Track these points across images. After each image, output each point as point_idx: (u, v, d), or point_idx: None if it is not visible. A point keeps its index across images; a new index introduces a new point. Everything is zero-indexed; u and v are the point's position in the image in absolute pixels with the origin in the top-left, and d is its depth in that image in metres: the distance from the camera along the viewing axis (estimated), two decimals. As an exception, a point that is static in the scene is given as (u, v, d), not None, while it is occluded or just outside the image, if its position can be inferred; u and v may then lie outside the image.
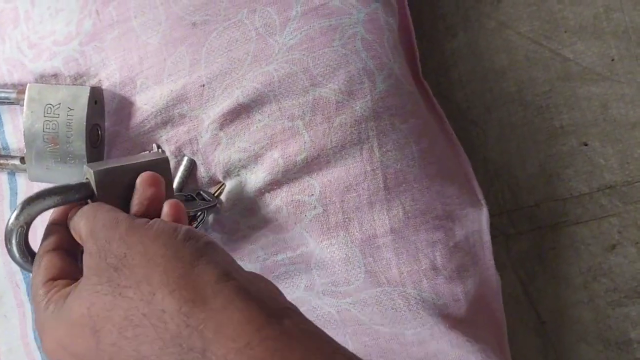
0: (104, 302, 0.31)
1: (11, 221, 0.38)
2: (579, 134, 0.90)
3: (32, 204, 0.38)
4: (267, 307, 0.30)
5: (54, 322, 0.33)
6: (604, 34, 0.89)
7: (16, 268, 0.53)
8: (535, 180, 0.92)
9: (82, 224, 0.36)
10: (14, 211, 0.38)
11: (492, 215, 0.97)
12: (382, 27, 0.48)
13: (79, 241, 0.37)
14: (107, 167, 0.39)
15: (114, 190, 0.39)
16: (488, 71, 0.92)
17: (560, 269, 0.91)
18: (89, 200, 0.39)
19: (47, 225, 0.39)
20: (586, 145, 0.90)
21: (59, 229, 0.38)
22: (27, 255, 0.39)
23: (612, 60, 0.91)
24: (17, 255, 0.39)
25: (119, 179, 0.40)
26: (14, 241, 0.38)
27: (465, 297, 0.49)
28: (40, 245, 0.38)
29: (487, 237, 0.53)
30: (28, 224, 0.38)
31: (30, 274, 0.38)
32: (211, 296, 0.29)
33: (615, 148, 0.91)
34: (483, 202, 0.54)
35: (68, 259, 0.37)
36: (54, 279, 0.36)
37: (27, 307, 0.54)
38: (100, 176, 0.39)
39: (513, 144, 0.91)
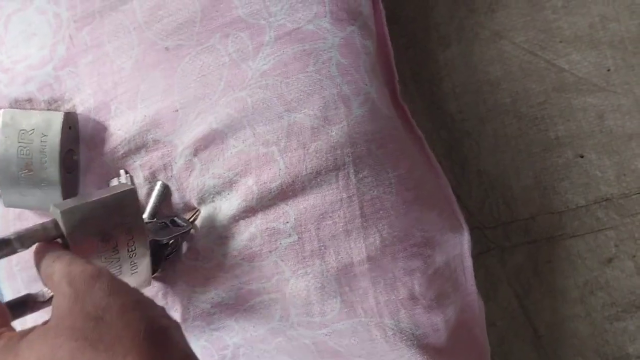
0: (71, 348, 0.30)
1: None
2: (575, 145, 0.88)
3: None
4: None
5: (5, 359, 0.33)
6: (600, 44, 0.87)
7: None
8: (530, 193, 0.91)
9: (57, 267, 0.35)
10: None
11: (487, 228, 0.97)
12: (359, 50, 0.47)
13: (48, 284, 0.36)
14: (74, 205, 0.39)
15: (83, 227, 0.39)
16: (482, 82, 0.91)
17: (557, 282, 0.90)
18: (59, 240, 0.39)
19: None
20: (582, 157, 0.89)
21: None
22: None
23: (608, 70, 0.90)
24: None
25: (87, 216, 0.39)
26: None
27: (446, 325, 0.48)
28: None
29: (468, 261, 0.52)
30: None
31: None
32: None
33: (612, 160, 0.90)
34: (464, 225, 0.53)
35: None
36: None
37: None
38: (68, 216, 0.39)
39: (508, 156, 0.90)
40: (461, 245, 0.51)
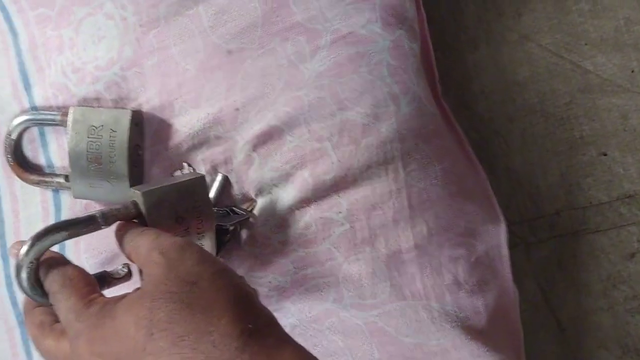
0: (169, 310, 0.32)
1: (21, 256, 0.39)
2: (599, 144, 0.90)
3: (42, 239, 0.39)
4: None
5: (96, 322, 0.34)
6: (625, 46, 0.89)
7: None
8: (556, 190, 0.93)
9: (144, 240, 0.38)
10: (23, 246, 0.39)
11: (513, 223, 0.99)
12: (407, 53, 0.51)
13: (132, 257, 0.39)
14: (152, 188, 0.43)
15: (160, 208, 0.42)
16: (510, 83, 0.93)
17: (580, 276, 0.92)
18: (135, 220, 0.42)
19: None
20: (606, 155, 0.91)
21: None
22: (38, 289, 0.39)
23: (632, 72, 0.92)
24: (27, 290, 0.39)
25: (163, 198, 0.43)
26: (24, 276, 0.39)
27: (486, 309, 0.51)
28: (48, 256, 0.39)
29: (505, 251, 0.55)
30: (38, 259, 0.39)
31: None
32: (267, 334, 0.33)
33: (635, 158, 0.92)
34: (502, 218, 0.56)
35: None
36: (90, 291, 0.37)
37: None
38: (148, 197, 0.42)
39: (534, 154, 0.92)
40: (498, 236, 0.54)
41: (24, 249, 0.39)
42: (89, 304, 0.36)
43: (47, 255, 0.39)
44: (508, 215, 0.96)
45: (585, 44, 0.92)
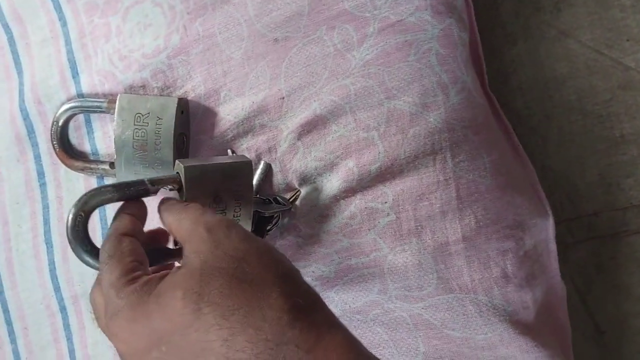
0: (219, 285, 0.32)
1: (71, 211, 0.39)
2: (640, 143, 0.89)
3: (93, 194, 0.39)
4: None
5: (138, 299, 0.33)
6: (668, 42, 0.87)
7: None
8: (594, 189, 0.91)
9: (189, 215, 0.37)
10: (74, 203, 0.39)
11: (550, 223, 0.97)
12: (456, 42, 0.50)
13: (175, 231, 0.38)
14: (197, 164, 0.43)
15: (200, 184, 0.43)
16: (548, 79, 0.92)
17: (620, 279, 0.91)
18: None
19: (119, 215, 0.40)
20: (647, 154, 0.89)
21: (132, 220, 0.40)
22: (88, 246, 0.39)
23: (676, 69, 0.90)
24: (71, 240, 0.39)
25: (205, 175, 0.43)
26: (69, 224, 0.39)
27: (534, 304, 0.50)
28: (113, 225, 0.39)
29: (553, 246, 0.54)
30: (87, 213, 0.39)
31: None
32: (315, 310, 0.33)
33: (678, 158, 0.90)
34: (549, 211, 0.55)
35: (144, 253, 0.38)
36: (135, 269, 0.36)
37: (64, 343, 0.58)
38: (190, 171, 0.42)
39: (573, 153, 0.91)
40: (546, 230, 0.53)
41: (74, 204, 0.39)
42: (132, 281, 0.35)
43: (124, 224, 0.39)
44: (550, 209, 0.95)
45: (627, 40, 0.90)
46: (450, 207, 0.49)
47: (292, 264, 0.36)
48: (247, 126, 0.53)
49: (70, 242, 0.39)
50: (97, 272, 0.38)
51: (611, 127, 0.93)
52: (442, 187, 0.49)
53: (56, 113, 0.56)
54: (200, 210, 0.38)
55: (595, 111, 0.92)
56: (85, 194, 0.39)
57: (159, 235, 0.43)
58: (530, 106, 0.96)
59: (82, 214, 0.39)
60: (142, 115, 0.53)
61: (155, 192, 0.42)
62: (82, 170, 0.57)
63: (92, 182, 0.58)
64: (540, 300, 0.51)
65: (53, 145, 0.57)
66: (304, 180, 0.52)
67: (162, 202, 0.41)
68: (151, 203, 0.42)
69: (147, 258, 0.38)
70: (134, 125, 0.53)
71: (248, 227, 0.46)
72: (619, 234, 0.94)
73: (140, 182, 0.41)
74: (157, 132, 0.53)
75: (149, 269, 0.38)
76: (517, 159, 0.56)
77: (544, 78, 0.95)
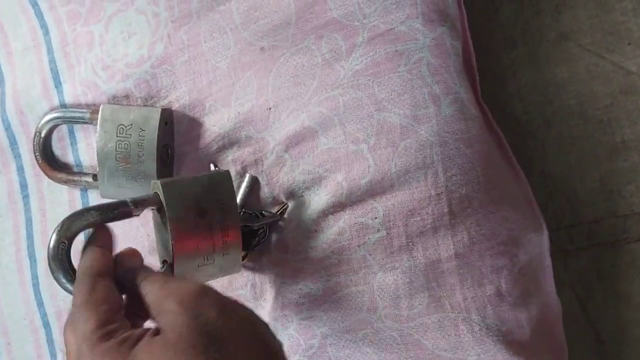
0: None
1: (53, 238, 0.38)
2: (642, 149, 0.88)
3: (74, 219, 0.39)
4: None
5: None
6: (670, 46, 0.86)
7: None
8: (595, 196, 0.90)
9: (152, 287, 0.36)
10: (55, 228, 0.38)
11: (550, 230, 0.96)
12: (449, 51, 0.48)
13: (151, 307, 0.36)
14: (173, 179, 0.42)
15: (180, 200, 0.42)
16: (548, 83, 0.91)
17: (621, 287, 0.90)
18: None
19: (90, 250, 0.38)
20: (649, 160, 0.88)
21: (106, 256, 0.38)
22: (70, 274, 0.39)
23: (678, 73, 0.89)
24: (59, 274, 0.39)
25: (185, 191, 0.42)
26: (56, 257, 0.38)
27: (529, 322, 0.49)
28: (85, 262, 0.37)
29: (548, 261, 0.52)
30: (69, 240, 0.39)
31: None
32: None
33: (681, 164, 0.89)
34: (544, 225, 0.54)
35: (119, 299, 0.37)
36: (110, 320, 0.34)
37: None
38: (168, 189, 0.42)
39: (573, 158, 0.89)
40: (541, 245, 0.52)
41: (56, 230, 0.38)
42: (107, 336, 0.33)
43: (97, 262, 0.38)
44: (544, 222, 0.94)
45: (629, 44, 0.89)
46: (443, 223, 0.47)
47: (274, 339, 0.34)
48: (232, 137, 0.51)
49: (52, 270, 0.39)
50: None
51: (612, 133, 0.92)
52: (434, 202, 0.47)
53: (39, 124, 0.55)
54: (162, 280, 0.36)
55: (596, 116, 0.91)
56: (67, 218, 0.39)
57: (129, 256, 0.41)
58: (529, 111, 0.95)
59: (65, 241, 0.38)
60: (125, 127, 0.51)
61: (138, 214, 0.41)
62: (65, 182, 0.55)
63: (76, 194, 0.56)
64: (535, 317, 0.49)
65: (36, 156, 0.56)
66: (292, 193, 0.51)
67: (137, 274, 0.38)
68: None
69: (122, 301, 0.37)
70: (117, 136, 0.52)
71: (238, 240, 0.45)
72: (620, 242, 0.93)
73: (123, 204, 0.40)
74: (140, 144, 0.51)
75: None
76: (511, 171, 0.55)
77: (544, 82, 0.94)
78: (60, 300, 0.56)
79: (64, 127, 0.56)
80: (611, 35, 0.88)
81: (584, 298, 0.91)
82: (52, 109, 0.55)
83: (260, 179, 0.51)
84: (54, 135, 0.56)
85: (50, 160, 0.56)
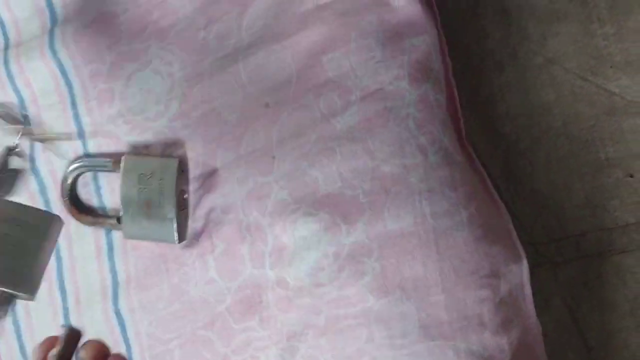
0: None
1: None
2: (624, 166, 0.92)
3: None
4: None
5: None
6: (650, 69, 0.90)
7: None
8: (581, 211, 0.94)
9: None
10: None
11: (540, 243, 1.01)
12: (432, 104, 0.54)
13: None
14: None
15: None
16: (535, 105, 0.95)
17: (607, 296, 0.94)
18: None
19: None
20: (632, 177, 0.92)
21: None
22: None
23: (657, 94, 0.92)
24: None
25: None
26: None
27: (510, 347, 0.54)
28: None
29: (528, 290, 0.58)
30: None
31: None
32: None
33: (662, 180, 0.92)
34: (523, 255, 0.59)
35: None
36: None
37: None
38: None
39: (560, 176, 0.94)
40: (521, 274, 0.57)
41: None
42: None
43: None
44: (534, 235, 0.98)
45: (611, 67, 0.93)
46: (431, 260, 0.53)
47: None
48: (239, 181, 0.57)
49: None
50: None
51: (596, 151, 0.95)
52: (424, 242, 0.53)
53: (65, 172, 0.61)
54: None
55: (581, 136, 0.95)
56: None
57: None
58: (518, 131, 0.99)
59: None
60: (146, 176, 0.57)
61: None
62: (91, 224, 0.61)
63: (101, 234, 0.62)
64: (516, 342, 0.55)
65: (64, 201, 0.61)
66: (292, 234, 0.56)
67: None
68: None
69: None
70: (138, 185, 0.57)
71: None
72: (605, 253, 0.97)
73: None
74: (160, 190, 0.57)
75: None
76: (492, 206, 0.60)
77: (531, 104, 0.97)
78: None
79: (88, 174, 0.61)
80: (594, 59, 0.92)
81: (573, 307, 0.95)
82: (77, 159, 0.61)
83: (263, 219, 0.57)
84: (80, 181, 0.61)
85: (77, 204, 0.61)
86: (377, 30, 0.53)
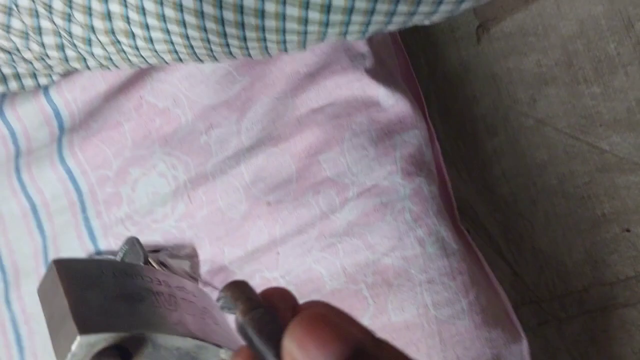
0: None
1: None
2: (621, 221, 0.94)
3: None
4: None
5: None
6: (638, 125, 0.93)
7: None
8: (582, 267, 0.96)
9: None
10: None
11: (543, 301, 1.02)
12: (427, 197, 0.56)
13: None
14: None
15: None
16: (530, 166, 0.98)
17: (613, 350, 0.95)
18: None
19: None
20: (629, 231, 0.94)
21: None
22: None
23: (647, 151, 0.95)
24: None
25: None
26: None
27: None
28: None
29: (529, 366, 0.59)
30: None
31: None
32: None
33: (658, 233, 0.94)
34: (522, 333, 0.61)
35: None
36: None
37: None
38: None
39: (559, 233, 0.96)
40: (521, 353, 0.59)
41: None
42: None
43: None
44: (537, 293, 1.00)
45: (600, 125, 0.96)
46: (435, 351, 0.54)
47: None
48: (247, 274, 0.59)
49: None
50: None
51: (593, 208, 0.97)
52: (427, 333, 0.55)
53: (79, 273, 0.63)
54: None
55: (577, 193, 0.97)
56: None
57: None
58: (515, 192, 1.01)
59: None
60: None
61: None
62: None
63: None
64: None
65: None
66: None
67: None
68: None
69: None
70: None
71: None
72: (609, 307, 0.98)
73: None
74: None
75: None
76: (490, 289, 0.62)
77: (526, 165, 1.00)
78: None
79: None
80: (584, 119, 0.95)
81: (581, 363, 0.96)
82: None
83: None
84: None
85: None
86: (368, 129, 0.56)
